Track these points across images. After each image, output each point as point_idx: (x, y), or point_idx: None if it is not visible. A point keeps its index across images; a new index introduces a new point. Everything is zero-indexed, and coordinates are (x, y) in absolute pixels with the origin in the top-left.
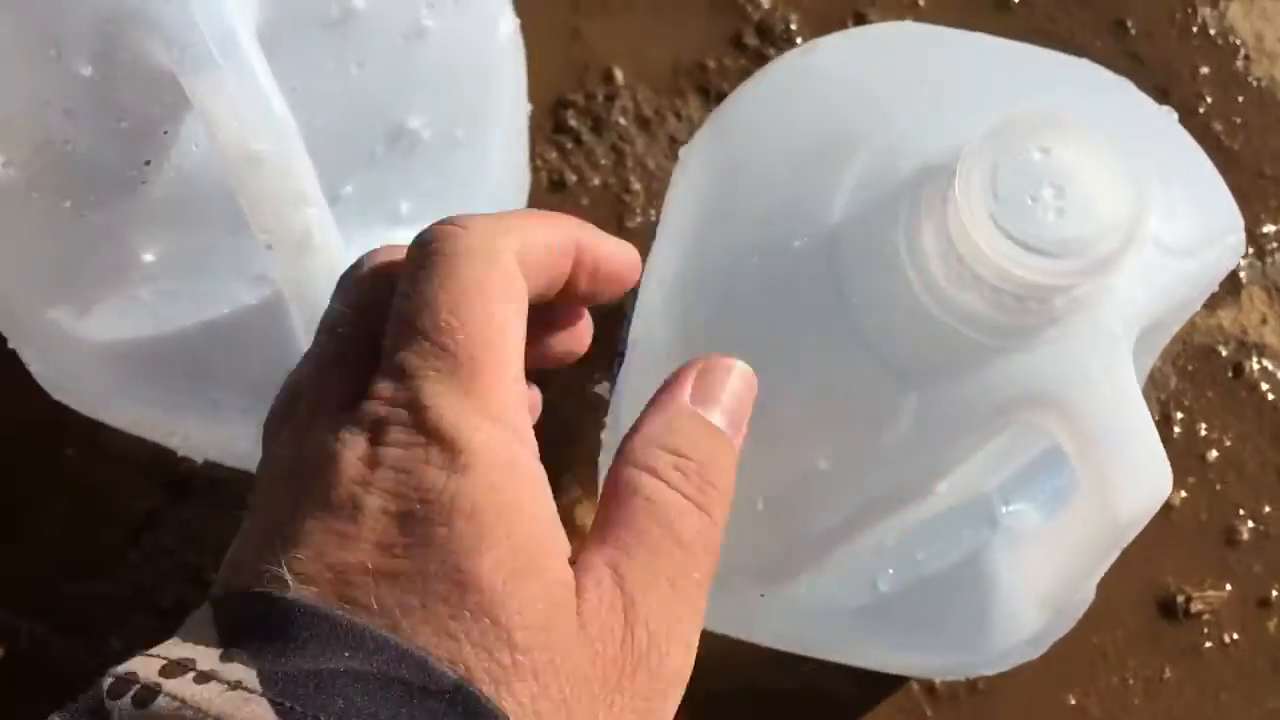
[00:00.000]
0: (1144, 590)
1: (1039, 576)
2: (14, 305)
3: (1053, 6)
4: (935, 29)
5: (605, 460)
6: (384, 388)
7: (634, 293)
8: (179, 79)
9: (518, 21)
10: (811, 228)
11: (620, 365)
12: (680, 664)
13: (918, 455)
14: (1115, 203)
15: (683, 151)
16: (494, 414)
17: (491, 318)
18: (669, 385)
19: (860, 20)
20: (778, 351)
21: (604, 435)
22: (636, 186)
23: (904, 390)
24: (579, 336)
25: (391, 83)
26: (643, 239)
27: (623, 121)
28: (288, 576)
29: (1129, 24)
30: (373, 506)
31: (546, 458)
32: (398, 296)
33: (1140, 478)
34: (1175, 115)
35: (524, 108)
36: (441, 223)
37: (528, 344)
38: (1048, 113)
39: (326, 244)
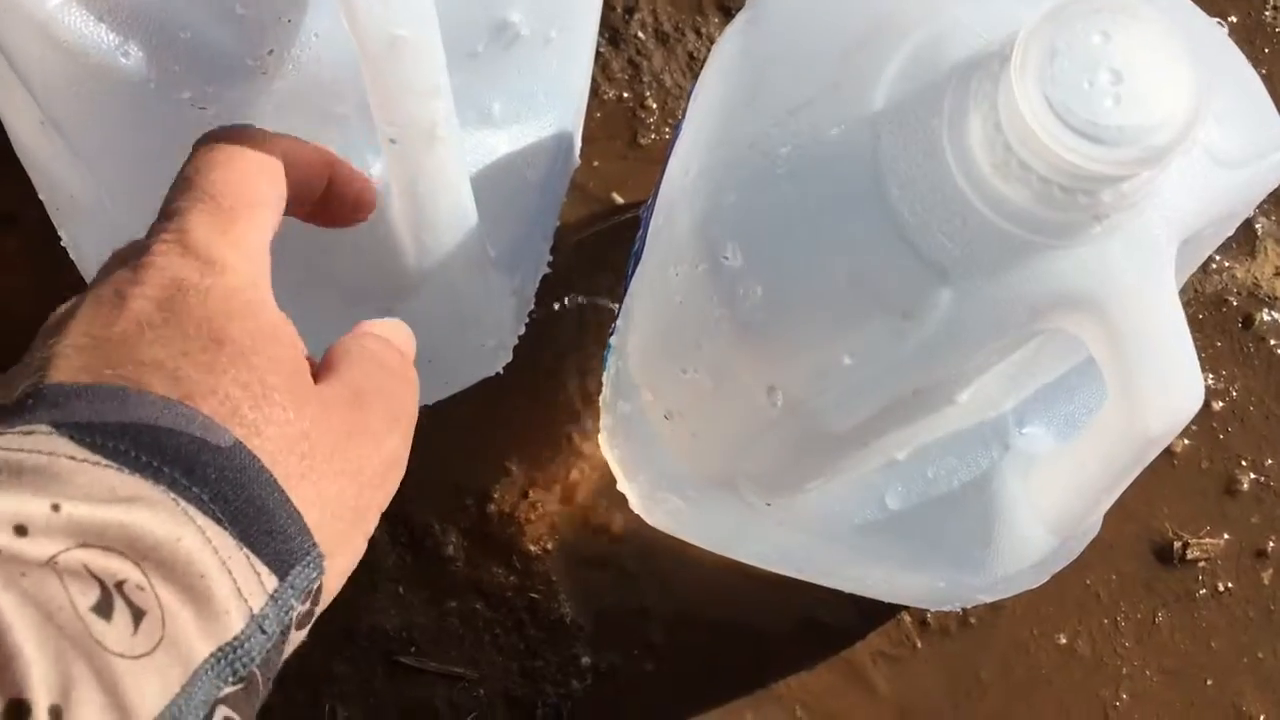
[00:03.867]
0: (1141, 534)
1: (1054, 496)
2: (119, 202)
3: None
4: None
5: (613, 363)
6: (157, 225)
7: (648, 207)
8: None
9: None
10: (851, 116)
11: (635, 266)
12: (382, 417)
13: (946, 355)
14: (1174, 94)
15: (715, 44)
16: (245, 253)
17: (255, 189)
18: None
19: None
20: (809, 239)
21: (613, 340)
22: (652, 103)
23: (939, 285)
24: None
25: None
26: (656, 156)
27: (641, 36)
28: (51, 361)
29: None
30: (136, 295)
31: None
32: (185, 166)
33: (1173, 388)
34: (1226, 29)
35: (599, 10)
36: (227, 126)
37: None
38: None
39: (449, 137)
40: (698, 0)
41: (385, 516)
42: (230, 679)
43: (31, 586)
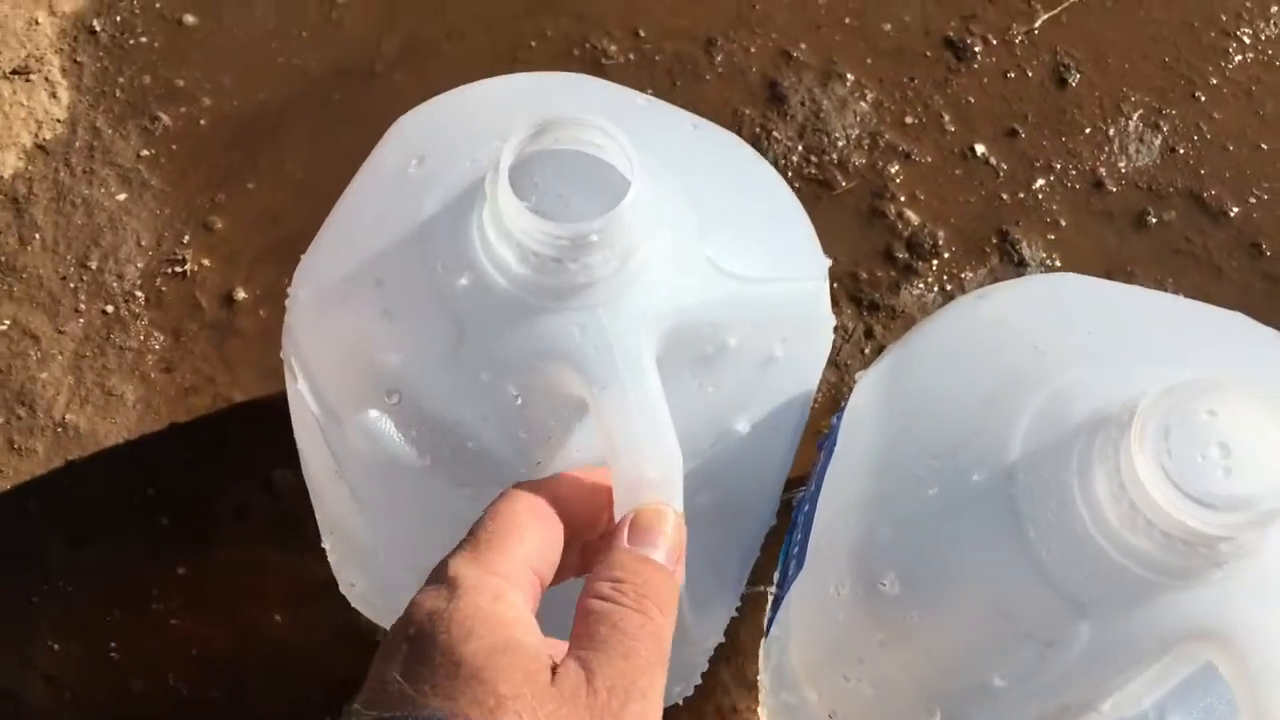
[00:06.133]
0: None
1: None
2: (391, 555)
3: (1188, 227)
4: (1096, 281)
5: (774, 654)
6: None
7: (801, 507)
8: (591, 405)
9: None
10: (990, 463)
11: (795, 569)
12: (639, 710)
13: (1088, 678)
14: (1278, 462)
15: (858, 378)
16: (492, 570)
17: (510, 519)
18: (613, 532)
19: (1004, 237)
20: (958, 574)
21: (773, 631)
22: None
23: (1078, 618)
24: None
25: (735, 398)
26: (799, 442)
27: None
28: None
29: (1264, 246)
30: (398, 633)
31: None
32: None
33: None
34: None
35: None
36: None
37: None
38: (1215, 378)
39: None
40: (830, 292)
41: None
42: None
43: None
